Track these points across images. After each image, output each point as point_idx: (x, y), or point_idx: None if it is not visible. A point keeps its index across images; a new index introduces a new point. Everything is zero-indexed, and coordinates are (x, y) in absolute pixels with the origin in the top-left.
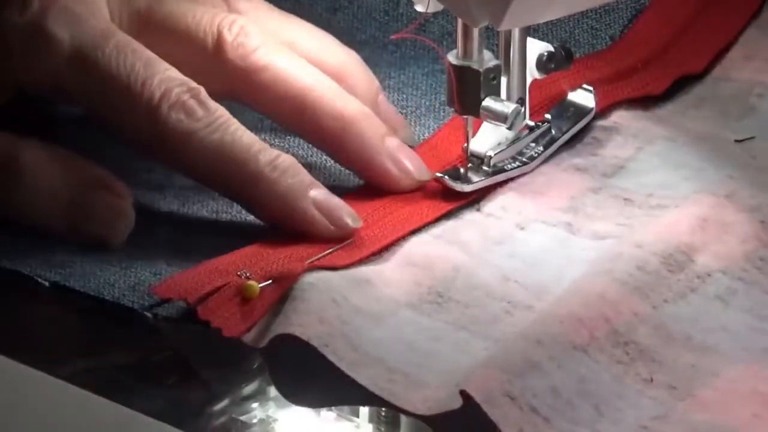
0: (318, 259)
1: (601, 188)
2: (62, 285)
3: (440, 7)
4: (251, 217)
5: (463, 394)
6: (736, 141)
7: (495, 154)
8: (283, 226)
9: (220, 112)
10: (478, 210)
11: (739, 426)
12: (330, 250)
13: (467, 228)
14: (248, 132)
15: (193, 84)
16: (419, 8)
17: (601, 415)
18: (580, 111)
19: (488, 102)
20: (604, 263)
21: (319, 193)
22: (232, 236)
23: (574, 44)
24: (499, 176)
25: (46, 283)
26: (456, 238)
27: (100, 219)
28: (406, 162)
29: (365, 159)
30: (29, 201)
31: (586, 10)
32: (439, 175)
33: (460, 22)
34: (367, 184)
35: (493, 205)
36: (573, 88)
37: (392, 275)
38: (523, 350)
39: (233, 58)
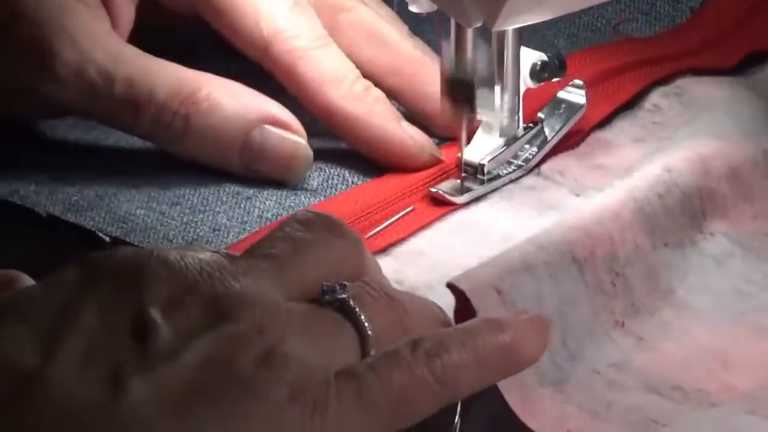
0: (378, 232)
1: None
2: (122, 240)
3: (434, 7)
4: None
5: (450, 286)
6: None
7: (489, 161)
8: (374, 147)
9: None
10: (538, 174)
11: (691, 380)
12: (388, 222)
13: (523, 194)
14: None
15: None
16: (413, 9)
17: (564, 345)
18: (572, 108)
19: (481, 104)
20: (631, 180)
21: (406, 124)
22: (292, 191)
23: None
24: (495, 182)
25: (107, 239)
26: (509, 205)
27: (277, 157)
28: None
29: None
30: (206, 136)
31: None
32: (434, 190)
33: (453, 22)
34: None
35: (551, 169)
36: (562, 87)
37: (446, 240)
38: (523, 252)
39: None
